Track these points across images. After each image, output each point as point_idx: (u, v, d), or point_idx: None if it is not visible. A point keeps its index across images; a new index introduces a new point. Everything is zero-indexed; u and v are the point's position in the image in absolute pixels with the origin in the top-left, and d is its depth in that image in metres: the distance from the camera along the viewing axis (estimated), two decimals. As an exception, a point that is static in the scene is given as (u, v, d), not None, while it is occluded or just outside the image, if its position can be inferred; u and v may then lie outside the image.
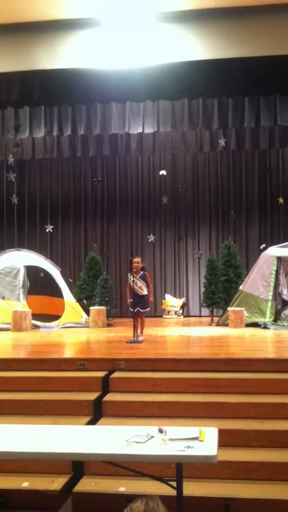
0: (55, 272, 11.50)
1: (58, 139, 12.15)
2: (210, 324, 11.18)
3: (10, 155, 12.55)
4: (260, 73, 10.12)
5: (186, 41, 9.93)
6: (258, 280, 10.48)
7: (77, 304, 11.25)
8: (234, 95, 10.61)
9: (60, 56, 10.17)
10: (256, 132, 11.55)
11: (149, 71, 10.13)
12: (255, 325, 10.19)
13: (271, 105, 10.64)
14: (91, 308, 11.01)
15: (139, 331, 8.63)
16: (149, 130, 11.12)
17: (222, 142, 11.77)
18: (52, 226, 14.19)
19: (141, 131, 11.04)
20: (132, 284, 8.53)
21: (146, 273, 8.75)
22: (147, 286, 8.65)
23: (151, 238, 13.95)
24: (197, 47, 9.93)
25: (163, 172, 13.26)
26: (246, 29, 9.67)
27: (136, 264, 8.63)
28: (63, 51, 10.18)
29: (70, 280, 12.06)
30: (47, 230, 14.17)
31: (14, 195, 13.85)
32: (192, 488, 4.24)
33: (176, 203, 13.94)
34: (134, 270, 8.59)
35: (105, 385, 6.10)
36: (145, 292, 8.58)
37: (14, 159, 12.83)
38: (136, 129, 11.06)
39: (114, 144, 12.22)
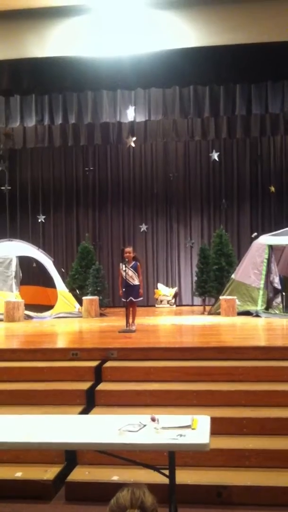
0: (48, 262, 11.47)
1: (49, 128, 12.06)
2: (202, 313, 11.20)
3: (1, 145, 12.45)
4: (251, 60, 10.08)
5: (177, 28, 9.86)
6: (250, 269, 10.50)
7: (70, 294, 11.23)
8: (226, 83, 10.56)
9: (50, 43, 10.08)
10: (248, 120, 11.51)
11: (140, 58, 10.06)
12: (247, 313, 10.23)
13: (262, 93, 10.60)
14: (83, 298, 11.00)
15: (131, 320, 8.64)
16: (140, 118, 11.06)
17: (213, 131, 11.72)
18: (44, 216, 14.13)
19: (132, 119, 10.97)
20: (123, 273, 8.52)
21: (138, 263, 8.74)
22: (138, 276, 8.64)
23: (143, 227, 13.93)
24: (188, 34, 9.86)
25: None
26: (237, 16, 9.61)
27: (128, 254, 8.62)
28: (54, 39, 10.08)
29: (63, 270, 12.03)
30: (39, 220, 14.11)
31: (5, 185, 13.77)
32: (185, 476, 4.27)
33: (167, 192, 13.91)
34: (126, 260, 8.58)
35: (98, 375, 6.11)
36: (136, 282, 8.58)
37: (4, 149, 12.74)
38: (127, 118, 10.98)
39: (106, 133, 12.15)
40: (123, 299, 8.77)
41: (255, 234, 11.83)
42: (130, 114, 10.79)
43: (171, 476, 3.75)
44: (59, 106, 10.93)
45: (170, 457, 3.74)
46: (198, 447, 3.57)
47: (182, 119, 11.63)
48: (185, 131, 12.17)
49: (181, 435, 3.57)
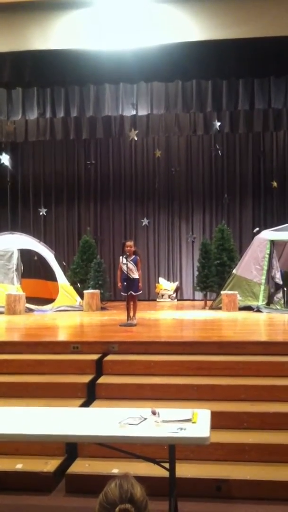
0: (49, 256, 11.47)
1: (51, 121, 12.02)
2: (204, 308, 11.20)
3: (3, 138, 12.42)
4: (255, 55, 10.02)
5: (180, 21, 9.81)
6: (252, 264, 10.49)
7: (71, 288, 11.24)
8: (228, 77, 10.52)
9: (52, 36, 10.03)
10: (250, 114, 11.47)
11: (143, 52, 10.01)
12: (248, 308, 10.23)
13: (265, 88, 10.57)
14: (85, 291, 11.01)
15: (132, 314, 8.65)
16: (142, 112, 11.03)
17: (216, 125, 11.68)
18: (45, 209, 14.12)
19: (134, 113, 10.94)
20: (124, 267, 8.52)
21: (138, 257, 8.74)
22: (138, 270, 8.64)
23: (145, 221, 13.92)
24: (191, 28, 9.81)
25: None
26: (240, 10, 9.56)
27: (128, 248, 8.62)
28: (56, 31, 10.03)
29: (64, 263, 12.03)
30: (41, 213, 14.10)
31: (7, 178, 13.75)
32: (185, 470, 4.28)
33: (169, 186, 13.89)
34: (127, 253, 8.58)
35: (99, 368, 6.13)
36: (136, 275, 8.58)
37: (6, 142, 12.72)
38: (129, 111, 10.96)
39: (108, 127, 12.12)
40: (122, 293, 8.77)
41: (257, 229, 11.81)
42: (132, 109, 10.78)
43: (171, 469, 3.77)
44: (61, 99, 10.91)
45: (170, 450, 3.76)
46: (199, 440, 3.59)
47: (185, 113, 11.59)
48: (187, 126, 12.13)
49: (181, 429, 3.59)
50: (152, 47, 9.94)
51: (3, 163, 13.44)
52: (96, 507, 1.96)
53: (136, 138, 12.61)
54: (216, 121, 11.61)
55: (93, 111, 10.85)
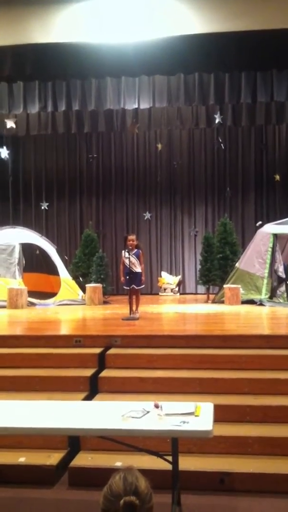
0: (51, 250, 11.46)
1: (53, 115, 11.98)
2: (206, 301, 11.19)
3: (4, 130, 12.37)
4: (257, 48, 9.97)
5: (182, 14, 9.76)
6: (254, 258, 10.47)
7: (73, 282, 11.23)
8: (231, 70, 10.47)
9: (54, 29, 9.99)
10: (253, 108, 11.42)
11: (144, 45, 9.97)
12: (250, 302, 10.21)
13: (267, 81, 10.51)
14: (87, 285, 11.00)
15: (134, 308, 8.64)
16: (144, 105, 10.99)
17: (218, 118, 11.63)
18: (47, 204, 14.09)
19: (136, 106, 10.90)
20: (126, 261, 8.50)
21: (140, 251, 8.72)
22: (140, 264, 8.62)
23: (147, 215, 13.89)
24: (193, 20, 9.76)
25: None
26: (243, 2, 9.50)
27: (131, 242, 8.60)
28: (57, 25, 9.99)
29: (66, 257, 12.01)
30: (42, 208, 14.08)
31: (8, 172, 13.73)
32: (188, 463, 4.28)
33: (172, 180, 13.85)
34: (130, 247, 8.56)
35: (101, 362, 6.13)
36: (138, 269, 8.55)
37: (7, 135, 12.69)
38: (131, 105, 10.92)
39: (110, 120, 12.08)
40: (125, 287, 8.76)
41: (260, 222, 11.79)
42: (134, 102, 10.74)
43: (175, 463, 3.76)
44: (62, 92, 10.87)
45: (173, 443, 3.76)
46: (201, 434, 3.59)
47: (187, 107, 11.54)
48: (190, 119, 12.09)
49: (184, 422, 3.59)
50: (154, 40, 9.90)
51: (5, 157, 13.41)
52: (101, 500, 1.96)
53: (137, 131, 12.57)
54: (219, 114, 11.54)
55: (95, 105, 10.81)
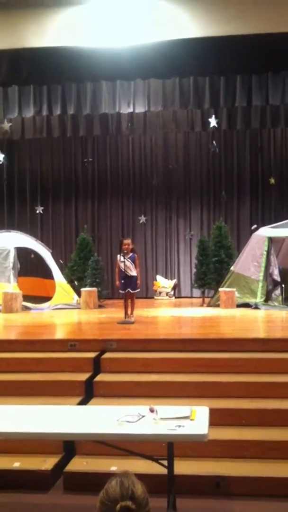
0: (46, 254, 11.44)
1: (48, 118, 11.97)
2: (202, 305, 11.19)
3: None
4: (252, 51, 10.02)
5: (177, 18, 9.79)
6: (249, 261, 10.48)
7: (68, 286, 11.21)
8: (226, 74, 10.50)
9: (49, 33, 10.01)
10: (248, 111, 11.44)
11: (140, 49, 10.00)
12: (246, 305, 10.22)
13: (263, 84, 10.55)
14: (82, 289, 10.98)
15: (130, 311, 8.62)
16: (140, 109, 11.00)
17: (213, 121, 11.64)
18: (42, 207, 14.08)
19: (131, 110, 10.91)
20: (121, 265, 8.49)
21: (136, 255, 8.71)
22: (136, 268, 8.60)
23: (142, 219, 13.89)
24: (188, 24, 9.80)
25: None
26: (237, 6, 9.55)
27: (126, 246, 8.58)
28: (52, 29, 10.01)
29: (61, 261, 12.01)
30: (37, 211, 14.06)
31: (3, 176, 13.71)
32: (184, 467, 4.26)
33: (167, 184, 13.86)
34: (125, 251, 8.54)
35: (97, 366, 6.10)
36: (134, 273, 8.54)
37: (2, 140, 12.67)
38: (126, 109, 10.93)
39: (105, 124, 12.07)
40: (120, 290, 8.74)
41: (255, 226, 11.80)
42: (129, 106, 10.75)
43: (170, 467, 3.75)
44: (57, 96, 10.88)
45: (169, 447, 3.74)
46: (197, 437, 3.57)
47: (182, 110, 11.55)
48: (185, 123, 12.10)
49: (179, 426, 3.58)
50: (149, 44, 9.92)
51: (0, 161, 13.39)
52: (97, 505, 1.96)
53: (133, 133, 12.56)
54: (214, 117, 11.56)
55: (90, 109, 10.82)
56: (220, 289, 10.58)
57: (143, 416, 3.74)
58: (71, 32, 9.95)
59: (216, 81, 10.65)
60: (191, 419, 3.69)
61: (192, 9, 9.71)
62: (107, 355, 6.27)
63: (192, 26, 9.80)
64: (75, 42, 9.99)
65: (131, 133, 12.29)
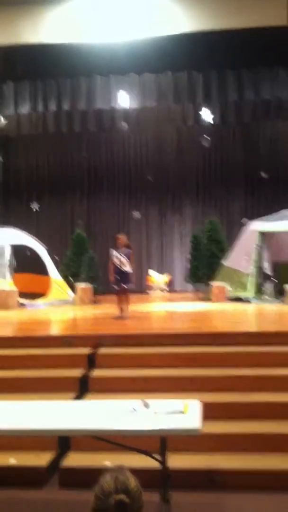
0: (41, 250, 11.46)
1: (44, 115, 11.95)
2: (194, 299, 11.23)
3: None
4: (244, 46, 10.05)
5: (170, 13, 9.80)
6: (241, 255, 10.53)
7: (64, 282, 11.23)
8: (218, 68, 10.53)
9: (44, 29, 10.01)
10: (240, 105, 11.46)
11: (133, 44, 10.01)
12: (237, 299, 10.27)
13: (254, 78, 10.57)
14: (77, 285, 11.00)
15: (124, 307, 8.65)
16: (134, 104, 11.00)
17: (206, 115, 11.63)
18: (38, 204, 14.07)
19: (126, 105, 10.91)
20: (116, 261, 8.51)
21: (130, 251, 8.73)
22: (130, 263, 8.62)
23: (137, 214, 13.90)
24: (182, 19, 9.81)
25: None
26: (230, 1, 9.57)
27: (120, 241, 8.61)
28: (47, 25, 10.01)
29: (56, 258, 12.01)
30: (33, 208, 14.05)
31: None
32: (178, 461, 4.30)
33: (161, 179, 13.87)
34: (119, 247, 8.57)
35: (91, 361, 6.13)
36: (128, 268, 8.56)
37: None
38: (120, 103, 10.93)
39: (99, 120, 12.07)
40: (114, 286, 8.75)
41: (244, 219, 11.83)
42: (123, 99, 10.74)
43: (163, 461, 3.80)
44: (52, 92, 10.88)
45: (162, 442, 3.79)
46: (190, 431, 3.61)
47: (176, 105, 11.56)
48: (178, 117, 12.11)
49: (172, 420, 3.62)
50: (143, 39, 9.94)
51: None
52: (92, 499, 2.00)
53: (126, 126, 12.54)
54: (206, 112, 11.57)
55: (85, 104, 10.82)
56: (212, 283, 10.62)
57: (137, 411, 3.79)
58: (65, 28, 9.94)
59: (209, 75, 10.68)
60: (184, 413, 3.74)
61: (186, 4, 9.72)
62: (101, 350, 6.31)
63: (185, 21, 9.81)
64: (70, 38, 9.99)
65: (123, 126, 12.29)
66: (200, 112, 11.55)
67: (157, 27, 9.82)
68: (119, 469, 2.05)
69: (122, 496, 1.93)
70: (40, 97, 10.87)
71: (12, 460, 4.65)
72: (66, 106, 10.95)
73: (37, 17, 9.93)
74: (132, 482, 1.99)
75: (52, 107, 10.92)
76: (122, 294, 8.66)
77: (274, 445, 4.69)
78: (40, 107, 10.96)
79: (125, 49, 10.08)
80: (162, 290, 13.15)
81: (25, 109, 11.03)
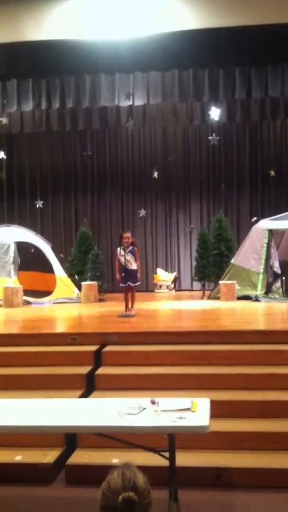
0: (46, 248, 11.44)
1: (47, 112, 11.94)
2: (202, 298, 11.20)
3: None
4: (251, 43, 9.98)
5: (176, 10, 9.74)
6: (250, 253, 10.47)
7: (69, 280, 11.21)
8: (225, 66, 10.46)
9: (47, 26, 9.97)
10: (247, 103, 11.41)
11: (139, 41, 9.95)
12: (246, 298, 10.22)
13: (262, 76, 10.50)
14: (82, 283, 10.98)
15: (130, 305, 8.62)
16: (139, 102, 10.96)
17: (213, 114, 11.58)
18: (42, 202, 14.07)
19: (131, 103, 10.87)
20: (121, 258, 8.48)
21: (136, 248, 8.70)
22: (136, 261, 8.59)
23: (142, 212, 13.87)
24: (187, 16, 9.75)
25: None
26: (236, -2, 9.52)
27: (126, 239, 8.57)
28: (51, 22, 9.97)
29: (61, 255, 11.99)
30: (37, 206, 14.05)
31: (3, 171, 13.69)
32: (185, 459, 4.27)
33: (167, 177, 13.83)
34: (125, 244, 8.53)
35: (98, 359, 6.11)
36: (134, 266, 8.53)
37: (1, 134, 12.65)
38: (126, 102, 10.89)
39: (104, 117, 12.04)
40: (121, 284, 8.72)
41: (255, 218, 11.78)
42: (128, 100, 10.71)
43: (171, 459, 3.76)
44: (56, 90, 10.84)
45: (170, 439, 3.75)
46: (198, 429, 3.58)
47: (181, 103, 11.52)
48: (184, 115, 12.07)
49: (181, 418, 3.58)
50: (148, 36, 9.88)
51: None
52: (99, 496, 1.97)
53: (132, 126, 12.52)
54: (213, 110, 11.52)
55: (89, 102, 10.78)
56: (220, 282, 10.58)
57: (144, 408, 3.75)
58: (69, 25, 9.91)
59: (215, 73, 10.61)
60: (192, 411, 3.70)
61: (191, 0, 9.67)
62: (108, 348, 6.28)
63: (191, 18, 9.75)
64: (74, 35, 9.95)
65: (130, 126, 12.26)
66: (208, 111, 11.50)
67: (163, 24, 9.77)
68: (126, 465, 2.02)
69: (130, 494, 1.89)
70: (44, 94, 10.82)
71: (18, 457, 4.64)
72: (70, 104, 10.92)
73: (41, 14, 9.90)
74: (140, 479, 1.96)
75: (56, 105, 10.89)
76: (128, 292, 8.63)
77: (282, 443, 4.65)
78: (44, 105, 10.93)
79: (130, 47, 10.03)
80: (169, 288, 13.11)
81: (28, 106, 11.00)
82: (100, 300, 11.12)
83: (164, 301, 11.23)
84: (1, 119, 11.64)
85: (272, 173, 13.28)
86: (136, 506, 1.88)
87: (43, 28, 9.95)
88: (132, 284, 8.58)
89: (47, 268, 11.45)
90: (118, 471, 1.97)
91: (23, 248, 11.49)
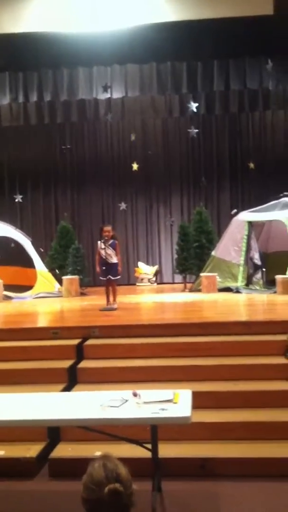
0: (26, 242, 11.34)
1: (25, 105, 11.80)
2: (183, 290, 11.21)
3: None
4: (229, 35, 9.99)
5: (154, 2, 9.72)
6: (230, 245, 10.50)
7: (50, 274, 11.14)
8: (203, 58, 10.47)
9: (25, 19, 9.87)
10: (226, 95, 11.41)
11: (116, 34, 9.91)
12: (227, 289, 10.25)
13: (240, 68, 10.53)
14: (63, 277, 10.92)
15: (111, 299, 8.60)
16: (117, 95, 10.91)
17: (192, 106, 11.57)
18: (21, 196, 13.94)
19: (109, 96, 10.82)
20: (102, 252, 8.44)
21: (116, 242, 8.66)
22: (117, 254, 8.55)
23: (123, 205, 13.83)
24: (165, 8, 9.73)
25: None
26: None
27: (106, 233, 8.53)
28: (28, 14, 9.88)
29: (41, 250, 11.89)
30: (17, 200, 13.92)
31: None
32: (169, 450, 4.28)
33: (147, 170, 13.79)
34: (106, 238, 8.49)
35: (80, 353, 6.09)
36: (114, 260, 8.49)
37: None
38: (104, 94, 10.83)
39: (82, 110, 11.95)
40: (101, 277, 8.68)
41: (235, 210, 11.81)
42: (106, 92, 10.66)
43: (154, 450, 3.77)
44: (34, 83, 10.75)
45: (152, 430, 3.75)
46: (180, 420, 3.59)
47: (160, 96, 11.49)
48: (163, 108, 12.03)
49: (163, 409, 3.59)
50: (126, 28, 9.84)
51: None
52: (82, 489, 1.95)
53: (110, 120, 12.46)
54: (192, 102, 11.50)
55: (67, 95, 10.70)
56: (201, 274, 10.61)
57: (126, 401, 3.75)
58: (47, 18, 9.81)
59: (193, 65, 10.60)
60: (174, 402, 3.71)
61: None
62: (90, 341, 6.26)
63: (169, 10, 9.73)
64: (51, 28, 9.87)
65: (108, 119, 12.20)
66: (187, 103, 11.47)
67: (140, 16, 9.73)
68: (106, 457, 2.01)
69: (116, 485, 1.89)
70: (21, 88, 10.72)
71: (1, 452, 4.60)
72: (47, 97, 10.82)
73: (17, 7, 9.80)
74: (123, 469, 1.96)
75: (33, 98, 10.79)
76: (109, 285, 8.60)
77: (267, 433, 4.68)
78: (21, 98, 10.82)
79: (108, 39, 9.97)
80: (150, 281, 13.10)
81: (5, 100, 10.87)
82: (82, 294, 11.07)
83: (146, 294, 11.23)
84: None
85: (252, 165, 13.32)
86: (122, 496, 1.88)
87: (20, 20, 9.85)
88: (112, 278, 8.55)
89: (28, 262, 11.34)
90: (99, 463, 1.96)
91: (3, 243, 11.37)
